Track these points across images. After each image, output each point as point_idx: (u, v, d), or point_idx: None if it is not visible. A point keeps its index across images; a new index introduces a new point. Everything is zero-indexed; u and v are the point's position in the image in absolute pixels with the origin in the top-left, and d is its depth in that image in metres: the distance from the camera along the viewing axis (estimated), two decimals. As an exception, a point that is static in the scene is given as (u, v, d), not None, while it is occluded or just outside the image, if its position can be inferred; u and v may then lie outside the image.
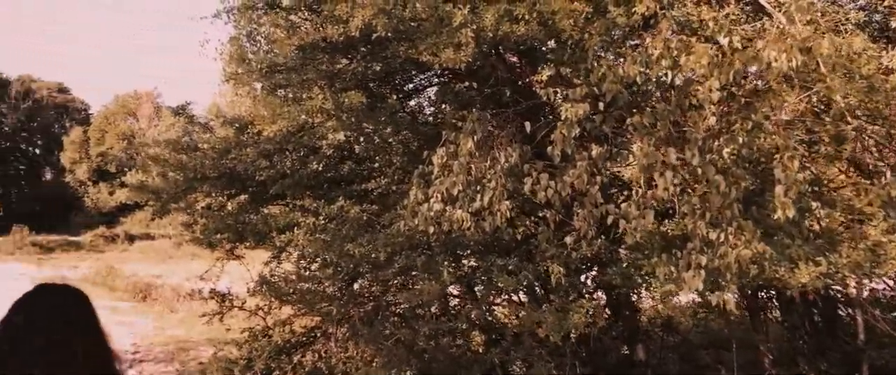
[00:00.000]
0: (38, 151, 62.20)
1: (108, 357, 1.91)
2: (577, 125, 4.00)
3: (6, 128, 58.39)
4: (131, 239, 41.71)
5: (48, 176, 61.28)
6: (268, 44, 7.22)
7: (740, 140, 4.05)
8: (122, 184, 52.35)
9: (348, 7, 4.69)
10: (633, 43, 5.46)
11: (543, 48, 5.46)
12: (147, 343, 11.18)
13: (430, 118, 6.89)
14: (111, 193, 53.67)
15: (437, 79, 6.68)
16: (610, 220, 3.99)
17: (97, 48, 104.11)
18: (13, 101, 58.11)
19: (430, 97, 7.27)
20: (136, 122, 55.56)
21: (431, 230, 4.42)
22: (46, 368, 1.77)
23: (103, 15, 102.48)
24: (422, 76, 6.73)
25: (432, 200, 4.38)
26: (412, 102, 7.12)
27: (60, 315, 1.87)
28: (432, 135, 6.21)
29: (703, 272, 3.73)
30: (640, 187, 3.96)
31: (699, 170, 3.89)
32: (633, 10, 4.64)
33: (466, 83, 5.48)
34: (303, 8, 5.73)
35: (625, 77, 4.12)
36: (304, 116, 5.03)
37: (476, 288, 5.63)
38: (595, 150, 4.12)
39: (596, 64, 4.39)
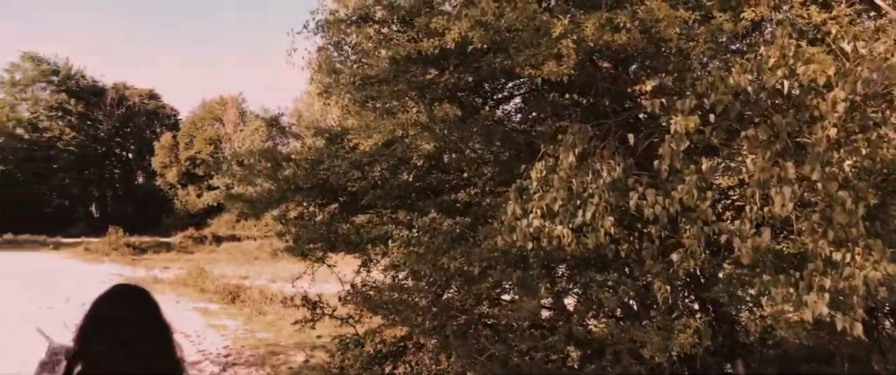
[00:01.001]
0: (130, 156, 65.30)
1: (171, 343, 2.42)
2: (686, 138, 3.84)
3: (102, 134, 61.49)
4: (218, 240, 43.13)
5: (140, 179, 64.17)
6: (356, 53, 7.28)
7: (863, 151, 3.80)
8: (210, 187, 54.46)
9: (444, 20, 4.64)
10: (734, 47, 5.24)
11: (639, 56, 5.29)
12: (238, 346, 11.47)
13: (519, 126, 6.79)
14: (199, 196, 55.88)
15: (526, 88, 6.58)
16: (723, 239, 3.79)
17: (182, 56, 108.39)
18: (108, 108, 61.09)
19: (517, 104, 7.17)
20: (222, 127, 57.53)
21: (530, 246, 4.33)
22: (126, 351, 2.26)
23: (184, 25, 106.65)
24: (511, 84, 6.64)
25: (531, 215, 4.28)
26: (500, 111, 7.04)
27: (135, 309, 2.40)
28: (523, 145, 6.12)
29: (827, 295, 3.50)
30: (754, 203, 3.76)
31: (819, 186, 3.66)
32: (742, 15, 4.43)
33: (562, 93, 5.34)
34: (395, 21, 5.73)
35: (735, 86, 3.93)
36: (399, 131, 5.00)
37: (573, 303, 5.49)
38: (705, 164, 3.93)
39: (703, 73, 4.21)
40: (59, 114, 57.82)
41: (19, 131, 55.69)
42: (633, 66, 5.65)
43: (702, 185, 3.97)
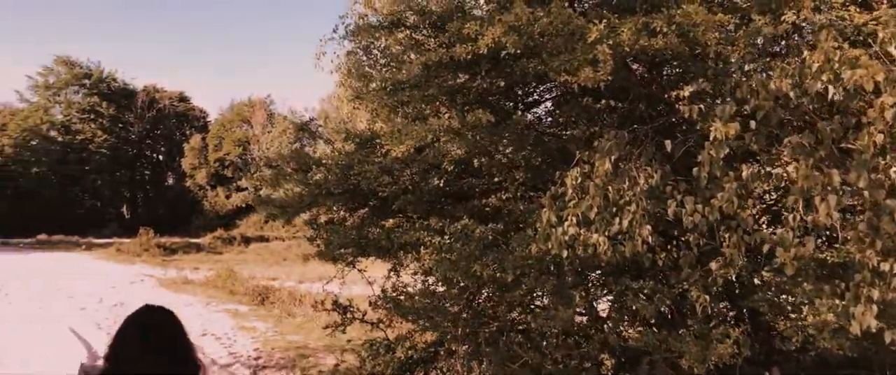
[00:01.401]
0: (161, 158, 66.13)
1: (195, 359, 2.68)
2: (725, 144, 3.76)
3: (133, 136, 62.39)
4: (247, 241, 43.48)
5: (170, 181, 64.96)
6: (385, 57, 7.27)
7: (909, 158, 3.69)
8: (238, 189, 55.04)
9: (477, 25, 4.60)
10: (772, 51, 5.12)
11: (675, 58, 5.20)
12: (268, 349, 11.53)
13: (551, 129, 6.72)
14: (228, 197, 56.45)
15: (557, 91, 6.51)
16: (765, 249, 3.70)
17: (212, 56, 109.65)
18: (139, 111, 61.97)
19: (548, 107, 7.11)
20: (251, 129, 58.06)
21: (565, 254, 4.27)
22: (155, 369, 2.53)
23: (213, 24, 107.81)
24: (542, 87, 6.58)
25: (566, 223, 4.23)
26: (530, 115, 6.98)
27: (161, 330, 2.66)
28: (555, 150, 6.06)
29: (874, 306, 3.40)
30: (797, 212, 3.66)
31: (866, 193, 3.56)
32: (782, 18, 4.33)
33: (596, 98, 5.28)
34: (427, 25, 5.70)
35: (776, 92, 3.84)
36: (430, 137, 4.97)
37: (606, 308, 5.42)
38: (745, 171, 3.85)
39: (742, 78, 4.12)
40: (92, 116, 58.78)
41: (53, 134, 56.74)
42: (668, 69, 5.57)
43: (742, 193, 3.88)
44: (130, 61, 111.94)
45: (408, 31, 5.91)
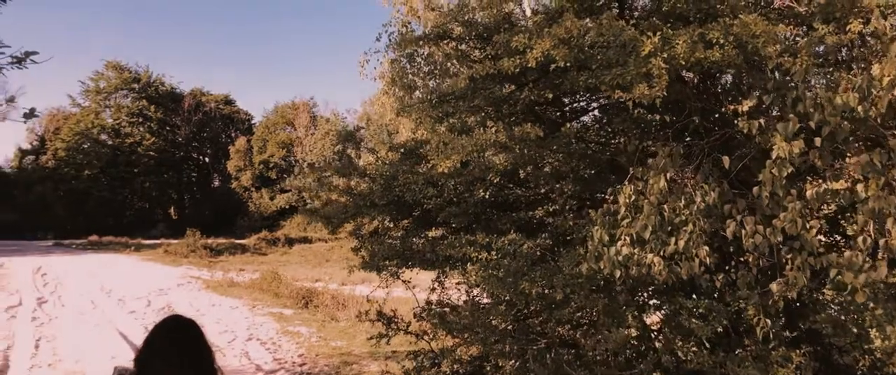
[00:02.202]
0: (207, 160, 67.28)
1: (214, 365, 2.97)
2: (789, 163, 3.59)
3: (180, 139, 63.64)
4: (290, 242, 43.95)
5: (216, 182, 66.06)
6: (428, 64, 7.20)
7: None
8: (282, 190, 55.73)
9: (525, 38, 4.49)
10: (834, 61, 4.89)
11: (729, 67, 5.01)
12: (312, 355, 11.57)
13: (599, 139, 6.56)
14: (272, 198, 57.21)
15: (606, 101, 6.35)
16: (832, 274, 3.52)
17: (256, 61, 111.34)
18: (186, 114, 63.18)
19: (596, 115, 6.94)
20: (294, 131, 58.73)
21: (617, 274, 4.14)
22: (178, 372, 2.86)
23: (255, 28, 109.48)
24: (591, 95, 6.42)
25: (619, 243, 4.09)
26: (578, 123, 6.83)
27: (184, 339, 2.95)
28: (604, 162, 5.90)
29: (953, 336, 3.20)
30: (867, 234, 3.47)
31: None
32: (848, 27, 4.13)
33: (649, 110, 5.11)
34: (472, 37, 5.61)
35: (843, 106, 3.65)
36: (476, 154, 4.87)
37: (658, 324, 5.26)
38: (809, 190, 3.67)
39: (803, 90, 3.93)
40: (140, 119, 60.17)
41: (103, 137, 58.20)
42: (723, 78, 5.38)
43: (806, 213, 3.71)
44: (176, 65, 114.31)
45: (453, 43, 5.82)
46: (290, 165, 57.71)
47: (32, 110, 4.63)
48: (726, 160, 4.00)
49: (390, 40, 8.83)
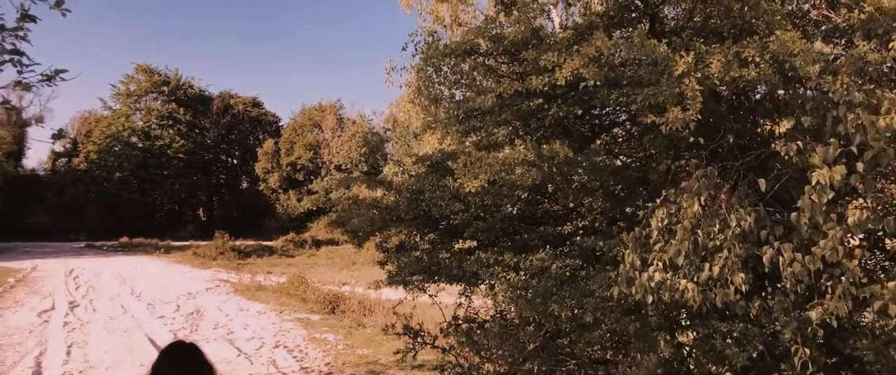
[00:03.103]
0: (235, 162, 67.90)
1: None
2: (829, 190, 3.45)
3: (208, 141, 64.27)
4: (317, 244, 44.16)
5: (244, 184, 66.62)
6: (455, 74, 7.13)
7: None
8: (310, 192, 56.04)
9: (554, 56, 4.40)
10: (876, 79, 4.72)
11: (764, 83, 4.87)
12: (339, 363, 11.56)
13: (629, 154, 6.44)
14: (299, 200, 57.57)
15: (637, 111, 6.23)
16: (876, 306, 3.38)
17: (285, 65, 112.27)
18: (214, 116, 63.81)
19: (626, 128, 6.82)
20: (321, 133, 59.02)
21: (650, 299, 4.03)
22: None
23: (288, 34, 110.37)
24: (618, 108, 6.31)
25: (651, 268, 3.98)
26: (607, 137, 6.71)
27: (187, 363, 3.37)
28: (635, 178, 5.79)
29: None
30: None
31: None
32: (891, 44, 3.98)
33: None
34: (500, 52, 5.52)
35: (887, 129, 3.50)
36: (503, 173, 4.79)
37: (693, 352, 5.12)
38: (851, 216, 3.53)
39: (843, 110, 3.79)
40: (170, 122, 60.92)
41: (134, 140, 59.04)
42: (758, 96, 5.24)
43: (847, 240, 3.57)
44: (204, 68, 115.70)
45: (481, 58, 5.74)
46: (318, 167, 58.00)
47: (61, 131, 4.65)
48: (763, 183, 3.87)
49: (416, 50, 8.78)
